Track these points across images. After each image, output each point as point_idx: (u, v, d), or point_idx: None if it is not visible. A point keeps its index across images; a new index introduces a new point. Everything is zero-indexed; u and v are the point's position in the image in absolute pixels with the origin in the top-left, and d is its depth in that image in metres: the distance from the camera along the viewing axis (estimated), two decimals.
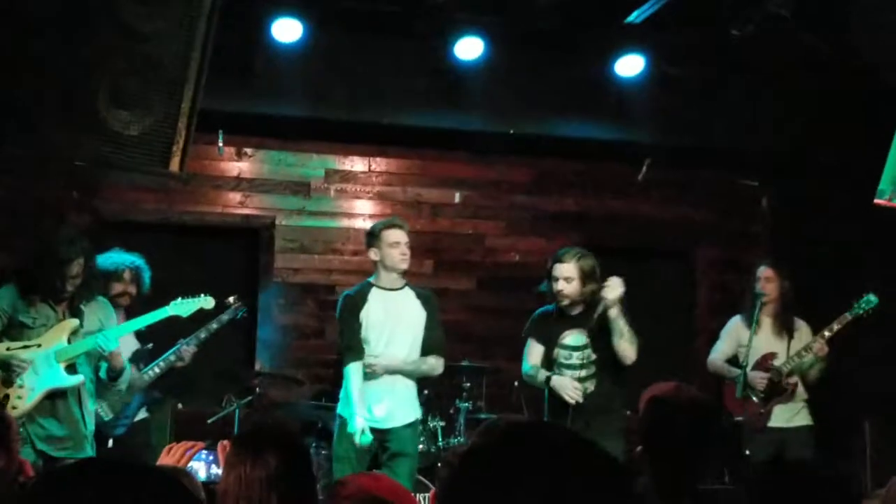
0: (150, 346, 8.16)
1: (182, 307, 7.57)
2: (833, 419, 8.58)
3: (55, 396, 7.17)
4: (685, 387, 4.56)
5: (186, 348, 8.05)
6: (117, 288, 8.02)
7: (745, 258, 10.31)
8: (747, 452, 8.02)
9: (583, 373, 7.40)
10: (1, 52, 6.57)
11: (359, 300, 7.55)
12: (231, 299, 8.28)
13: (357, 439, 7.21)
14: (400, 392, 7.57)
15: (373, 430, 7.32)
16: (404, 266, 7.60)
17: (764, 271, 8.55)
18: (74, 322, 7.23)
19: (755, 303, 8.31)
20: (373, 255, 7.61)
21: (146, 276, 8.14)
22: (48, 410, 7.15)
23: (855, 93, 8.73)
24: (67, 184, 9.37)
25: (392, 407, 7.50)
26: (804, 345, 8.25)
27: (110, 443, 7.67)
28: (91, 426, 7.34)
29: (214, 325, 8.13)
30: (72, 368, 7.21)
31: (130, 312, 7.97)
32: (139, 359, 8.11)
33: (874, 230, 8.23)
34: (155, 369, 8.02)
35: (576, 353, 7.47)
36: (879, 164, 6.95)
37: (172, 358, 8.05)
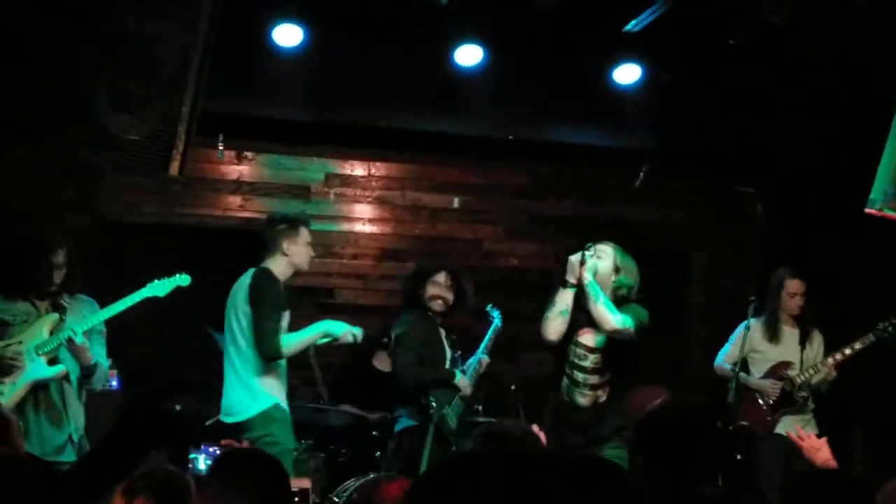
0: (458, 353, 8.47)
1: (159, 287, 7.39)
2: (825, 425, 8.60)
3: (38, 390, 6.99)
4: (678, 395, 4.67)
5: (483, 358, 8.46)
6: (432, 290, 8.35)
7: (741, 264, 10.42)
8: (739, 457, 8.04)
9: (595, 378, 7.04)
10: (2, 54, 6.64)
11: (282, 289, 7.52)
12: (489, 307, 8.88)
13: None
14: None
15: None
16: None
17: (795, 285, 8.59)
18: (55, 316, 7.04)
19: (748, 309, 8.30)
20: (285, 246, 7.52)
21: (463, 284, 8.50)
22: (31, 405, 6.98)
23: (849, 100, 8.79)
24: (66, 184, 9.39)
25: None
26: (816, 362, 8.32)
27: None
28: (76, 423, 7.15)
29: (492, 335, 8.69)
30: (54, 362, 7.02)
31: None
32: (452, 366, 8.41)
33: (866, 238, 8.29)
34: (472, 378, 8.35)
35: (591, 356, 7.05)
36: (873, 172, 7.02)
37: (478, 367, 8.43)
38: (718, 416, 8.20)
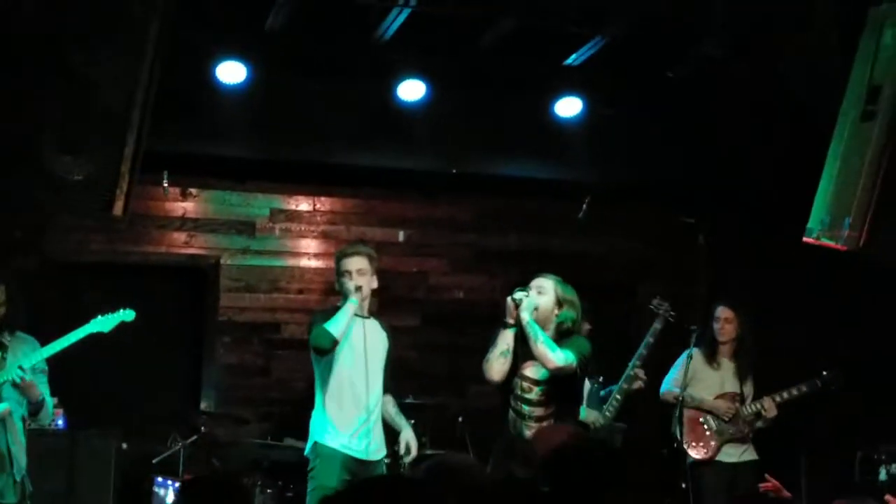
0: (601, 379, 8.57)
1: (103, 323, 7.32)
2: (773, 454, 8.73)
3: None
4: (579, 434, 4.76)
5: (638, 370, 8.34)
6: (583, 329, 8.26)
7: (685, 294, 10.50)
8: (683, 486, 8.14)
9: (540, 411, 7.04)
10: None
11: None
12: (655, 301, 8.62)
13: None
14: (380, 425, 7.51)
15: (359, 462, 7.26)
16: (355, 293, 7.38)
17: (722, 311, 8.72)
18: None
19: (690, 339, 8.43)
20: (336, 285, 7.55)
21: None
22: None
23: (788, 132, 8.93)
24: (14, 225, 9.38)
25: (374, 441, 7.42)
26: (756, 400, 8.46)
27: None
28: (19, 464, 7.04)
29: (650, 340, 8.42)
30: None
31: None
32: (597, 395, 8.51)
33: (808, 267, 8.41)
34: (613, 403, 8.29)
35: (536, 388, 7.05)
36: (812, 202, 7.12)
37: (625, 386, 8.31)
38: (620, 458, 8.26)
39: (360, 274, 7.43)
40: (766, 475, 7.17)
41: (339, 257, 7.56)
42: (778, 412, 8.46)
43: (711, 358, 8.62)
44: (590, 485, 4.36)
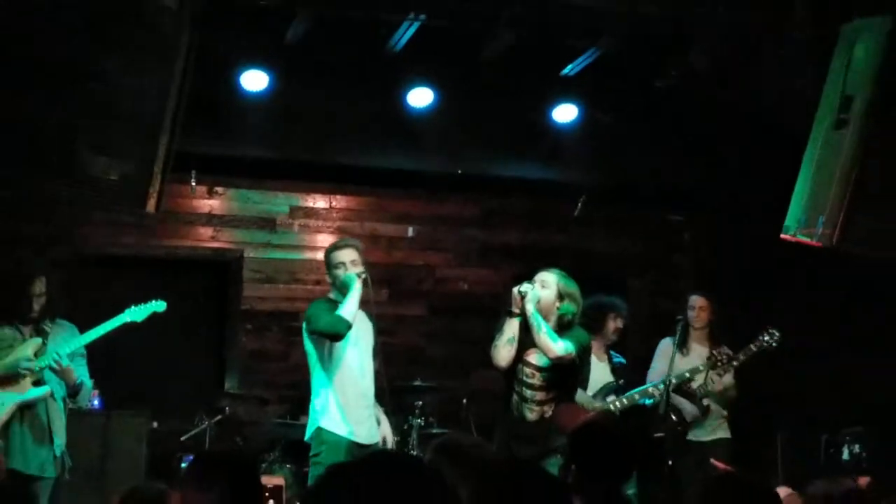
0: (621, 381, 8.75)
1: (137, 313, 7.64)
2: (750, 434, 9.12)
3: (24, 409, 7.31)
4: (608, 415, 4.98)
5: (656, 389, 8.48)
6: (615, 324, 8.86)
7: (672, 287, 10.96)
8: (670, 462, 8.48)
9: (541, 395, 7.28)
10: None
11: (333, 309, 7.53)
12: (716, 351, 8.70)
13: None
14: (373, 412, 7.74)
15: (362, 447, 7.41)
16: (359, 280, 7.54)
17: (697, 300, 9.02)
18: (37, 340, 7.35)
19: (676, 327, 8.77)
20: (328, 277, 7.77)
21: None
22: (17, 422, 7.29)
23: (765, 137, 9.22)
24: (50, 222, 9.70)
25: (372, 426, 7.68)
26: (709, 374, 8.72)
27: None
28: (60, 440, 7.41)
29: (688, 376, 8.59)
30: (39, 384, 7.32)
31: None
32: (607, 392, 8.67)
33: (784, 262, 8.80)
34: (616, 403, 8.45)
35: (538, 374, 7.30)
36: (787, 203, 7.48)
37: (637, 396, 8.51)
38: (645, 430, 8.64)
39: (354, 264, 7.62)
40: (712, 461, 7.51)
41: (331, 251, 7.74)
42: (723, 383, 8.70)
43: (683, 345, 8.86)
44: (614, 463, 4.65)
